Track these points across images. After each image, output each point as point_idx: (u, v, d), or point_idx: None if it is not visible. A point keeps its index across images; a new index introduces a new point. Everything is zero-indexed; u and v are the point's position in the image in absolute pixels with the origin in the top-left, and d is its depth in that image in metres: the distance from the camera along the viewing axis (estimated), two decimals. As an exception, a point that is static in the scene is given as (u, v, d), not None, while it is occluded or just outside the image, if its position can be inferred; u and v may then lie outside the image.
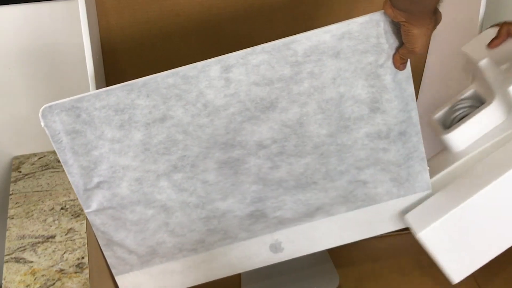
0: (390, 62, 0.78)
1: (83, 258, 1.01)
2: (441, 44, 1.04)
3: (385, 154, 0.84)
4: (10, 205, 1.11)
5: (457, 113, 0.90)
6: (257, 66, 0.77)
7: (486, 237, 0.85)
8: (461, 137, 0.88)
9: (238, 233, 0.90)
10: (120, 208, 0.84)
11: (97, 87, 0.80)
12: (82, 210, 1.10)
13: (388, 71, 0.79)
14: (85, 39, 0.78)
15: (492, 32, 0.89)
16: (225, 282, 0.96)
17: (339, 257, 1.07)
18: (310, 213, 0.89)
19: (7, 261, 1.00)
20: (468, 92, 0.91)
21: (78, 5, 0.77)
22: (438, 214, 0.83)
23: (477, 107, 0.88)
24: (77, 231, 1.05)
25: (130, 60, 0.97)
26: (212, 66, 0.76)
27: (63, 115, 0.76)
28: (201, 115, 0.79)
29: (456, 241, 0.85)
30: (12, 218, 1.08)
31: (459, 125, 0.87)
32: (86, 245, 1.03)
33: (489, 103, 0.86)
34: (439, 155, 0.91)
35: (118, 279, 0.90)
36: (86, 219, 0.83)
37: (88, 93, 0.75)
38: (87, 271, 0.99)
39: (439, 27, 0.74)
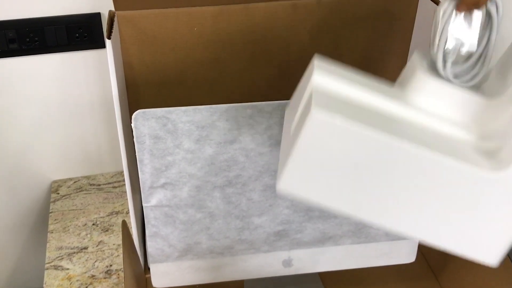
0: None
1: (111, 265, 1.06)
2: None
3: None
4: (50, 221, 1.15)
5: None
6: None
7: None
8: None
9: (261, 246, 0.93)
10: (176, 208, 0.86)
11: (123, 122, 0.83)
12: (110, 226, 1.14)
13: None
14: (112, 82, 0.81)
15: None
16: (228, 288, 0.98)
17: (327, 277, 1.06)
18: (323, 240, 0.93)
19: (47, 268, 1.05)
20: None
21: (107, 53, 0.80)
22: None
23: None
24: (106, 243, 1.10)
25: (150, 99, 1.00)
26: (286, 106, 0.78)
27: (152, 121, 0.78)
28: (264, 145, 0.82)
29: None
30: (52, 232, 1.13)
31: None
32: (114, 255, 1.08)
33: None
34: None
35: (152, 266, 0.93)
36: (123, 228, 0.86)
37: (178, 108, 0.78)
38: (114, 276, 1.04)
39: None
